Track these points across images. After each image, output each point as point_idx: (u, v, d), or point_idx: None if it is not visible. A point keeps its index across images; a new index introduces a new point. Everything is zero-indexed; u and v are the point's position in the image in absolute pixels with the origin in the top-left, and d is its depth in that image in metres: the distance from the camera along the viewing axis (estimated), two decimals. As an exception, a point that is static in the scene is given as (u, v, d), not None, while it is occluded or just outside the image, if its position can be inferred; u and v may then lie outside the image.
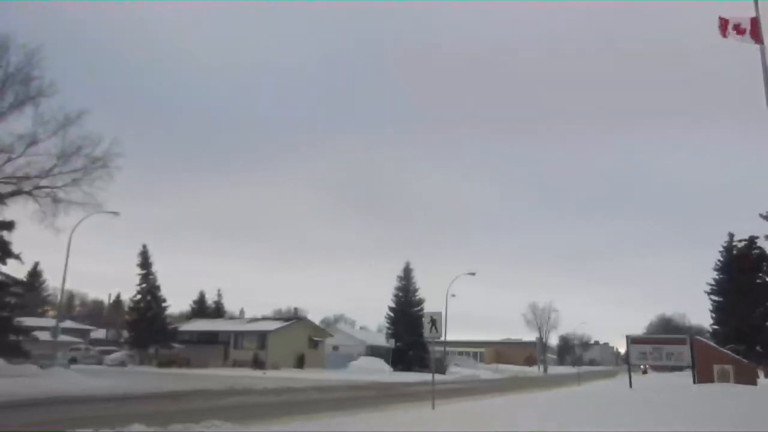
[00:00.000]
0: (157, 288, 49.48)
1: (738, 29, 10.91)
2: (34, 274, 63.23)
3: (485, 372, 64.07)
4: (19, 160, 24.76)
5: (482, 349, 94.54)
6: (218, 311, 67.45)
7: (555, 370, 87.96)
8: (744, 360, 27.08)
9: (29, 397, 16.33)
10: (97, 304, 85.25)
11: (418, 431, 10.43)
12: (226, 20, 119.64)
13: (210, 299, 68.59)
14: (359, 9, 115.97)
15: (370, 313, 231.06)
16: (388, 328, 58.24)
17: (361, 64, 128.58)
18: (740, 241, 40.91)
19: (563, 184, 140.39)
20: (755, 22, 10.80)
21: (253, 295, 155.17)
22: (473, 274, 46.73)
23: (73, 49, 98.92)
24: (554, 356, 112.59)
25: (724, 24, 11.06)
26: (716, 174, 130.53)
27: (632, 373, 27.83)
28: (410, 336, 52.90)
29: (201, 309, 66.35)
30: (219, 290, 69.41)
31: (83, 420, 10.97)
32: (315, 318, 68.13)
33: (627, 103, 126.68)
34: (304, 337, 51.98)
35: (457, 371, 54.08)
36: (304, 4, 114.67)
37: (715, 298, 42.49)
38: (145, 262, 49.15)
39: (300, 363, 48.53)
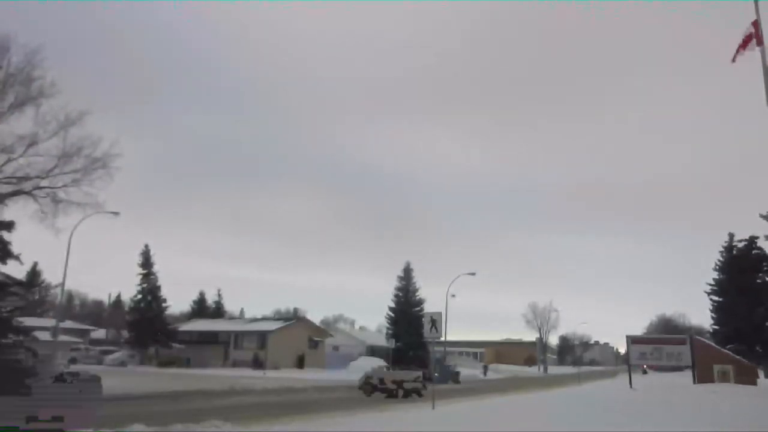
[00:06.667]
0: (158, 288, 49.50)
1: (744, 45, 11.00)
2: (34, 274, 63.23)
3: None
4: (19, 161, 24.69)
5: (482, 349, 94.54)
6: (218, 311, 67.40)
7: (555, 370, 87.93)
8: (744, 360, 27.10)
9: (29, 397, 16.28)
10: (97, 304, 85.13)
11: (418, 431, 10.44)
12: (226, 21, 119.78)
13: (210, 299, 68.61)
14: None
15: (370, 313, 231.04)
16: (388, 328, 58.21)
17: (357, 59, 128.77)
18: (740, 241, 40.84)
19: (564, 183, 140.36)
20: (756, 24, 10.81)
21: (253, 295, 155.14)
22: (473, 274, 46.69)
23: (73, 49, 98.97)
24: (554, 356, 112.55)
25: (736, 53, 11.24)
26: (716, 174, 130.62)
27: (632, 373, 27.87)
28: (410, 336, 52.87)
29: (201, 309, 66.32)
30: (219, 290, 69.45)
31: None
32: (315, 318, 68.15)
33: (621, 104, 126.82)
34: (304, 337, 51.96)
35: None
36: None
37: (715, 298, 42.41)
38: (146, 262, 49.18)
39: (300, 363, 48.52)
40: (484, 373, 58.55)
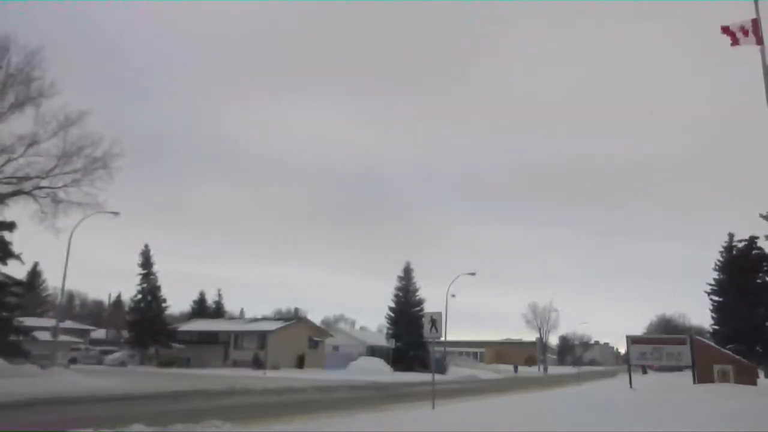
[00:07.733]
0: (158, 288, 49.54)
1: (744, 32, 10.90)
2: (34, 274, 63.22)
3: (485, 372, 64.04)
4: (19, 161, 24.72)
5: (482, 349, 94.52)
6: (218, 311, 67.45)
7: (555, 370, 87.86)
8: (744, 360, 27.07)
9: (29, 397, 16.31)
10: (97, 304, 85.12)
11: (418, 431, 10.44)
12: (226, 20, 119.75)
13: (210, 299, 68.75)
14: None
15: (370, 313, 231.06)
16: (388, 328, 58.19)
17: (355, 61, 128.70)
18: (740, 241, 40.78)
19: (565, 183, 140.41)
20: (756, 24, 10.79)
21: (253, 295, 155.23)
22: (473, 274, 46.74)
23: (73, 49, 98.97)
24: (554, 356, 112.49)
25: (731, 33, 11.02)
26: (716, 173, 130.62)
27: (632, 373, 27.87)
28: (410, 336, 52.83)
29: (201, 309, 66.34)
30: (219, 290, 69.70)
31: (83, 420, 10.97)
32: (315, 318, 68.19)
33: (621, 102, 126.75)
34: (304, 337, 51.93)
35: (457, 371, 54.07)
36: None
37: (715, 298, 42.35)
38: (146, 262, 49.19)
39: (300, 363, 48.50)
40: (515, 370, 71.97)
